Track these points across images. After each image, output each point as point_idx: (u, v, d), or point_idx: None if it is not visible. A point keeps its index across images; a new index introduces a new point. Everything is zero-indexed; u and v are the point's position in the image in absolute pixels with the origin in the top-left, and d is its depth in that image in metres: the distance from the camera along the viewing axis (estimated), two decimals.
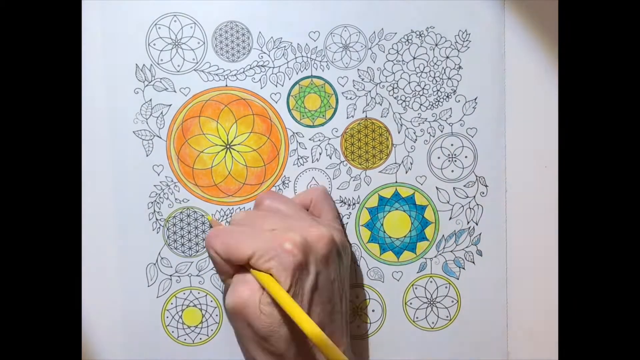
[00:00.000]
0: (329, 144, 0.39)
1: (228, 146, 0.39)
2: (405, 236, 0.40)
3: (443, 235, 0.40)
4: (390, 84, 0.39)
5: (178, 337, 0.40)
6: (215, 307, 0.40)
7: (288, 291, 0.31)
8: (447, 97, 0.40)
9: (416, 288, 0.41)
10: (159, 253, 0.39)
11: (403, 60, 0.39)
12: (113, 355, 0.39)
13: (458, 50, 0.39)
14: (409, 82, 0.39)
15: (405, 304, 0.41)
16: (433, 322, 0.41)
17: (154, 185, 0.39)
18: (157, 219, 0.39)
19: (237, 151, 0.39)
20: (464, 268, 0.41)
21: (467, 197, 0.40)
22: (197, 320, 0.40)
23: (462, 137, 0.40)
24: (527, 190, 0.40)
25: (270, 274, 0.32)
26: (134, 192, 0.39)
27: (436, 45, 0.39)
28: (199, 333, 0.40)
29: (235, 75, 0.39)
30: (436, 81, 0.40)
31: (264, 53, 0.39)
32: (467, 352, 0.40)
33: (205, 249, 0.39)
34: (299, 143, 0.39)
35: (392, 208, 0.40)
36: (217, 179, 0.39)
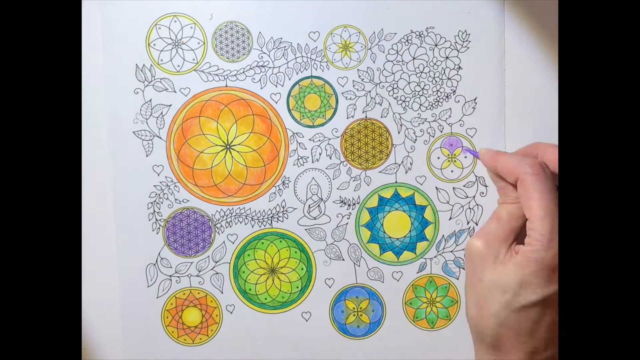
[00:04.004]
0: (329, 144, 0.39)
1: (228, 146, 0.39)
2: (405, 236, 0.40)
3: (443, 236, 0.40)
4: (390, 84, 0.39)
5: (178, 337, 0.40)
6: (215, 307, 0.40)
7: None
8: (447, 97, 0.40)
9: (416, 288, 0.41)
10: (159, 253, 0.39)
11: (403, 61, 0.39)
12: (113, 355, 0.39)
13: (458, 51, 0.39)
14: (409, 83, 0.39)
15: (405, 304, 0.41)
16: (433, 322, 0.41)
17: (154, 186, 0.39)
18: (157, 219, 0.39)
19: (237, 151, 0.39)
20: (463, 268, 0.41)
21: (467, 197, 0.40)
22: (197, 320, 0.40)
23: (462, 137, 0.40)
24: None
25: None
26: (134, 192, 0.39)
27: (436, 45, 0.39)
28: (199, 333, 0.40)
29: (235, 75, 0.39)
30: (436, 81, 0.40)
31: (264, 53, 0.39)
32: (467, 352, 0.40)
33: (204, 250, 0.39)
34: (299, 143, 0.39)
35: (392, 208, 0.40)
36: (217, 179, 0.39)
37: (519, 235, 0.35)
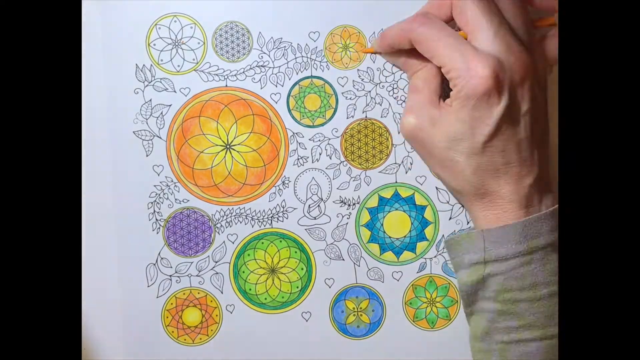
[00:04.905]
0: (329, 144, 0.39)
1: (228, 146, 0.39)
2: (405, 236, 0.40)
3: (443, 235, 0.40)
4: (390, 84, 0.39)
5: (178, 337, 0.40)
6: (215, 308, 0.40)
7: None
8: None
9: (416, 288, 0.41)
10: (159, 253, 0.39)
11: None
12: (113, 355, 0.39)
13: None
14: (409, 83, 0.39)
15: (405, 304, 0.41)
16: (433, 322, 0.41)
17: (154, 186, 0.39)
18: (157, 219, 0.39)
19: (237, 151, 0.39)
20: None
21: None
22: (197, 320, 0.40)
23: None
24: None
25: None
26: (134, 192, 0.39)
27: None
28: (199, 333, 0.40)
29: (235, 75, 0.39)
30: None
31: (264, 53, 0.39)
32: (467, 352, 0.40)
33: (204, 250, 0.39)
34: (299, 143, 0.39)
35: (392, 208, 0.40)
36: (217, 179, 0.39)
37: (445, 92, 0.35)
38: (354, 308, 0.40)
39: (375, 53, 0.38)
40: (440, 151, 0.34)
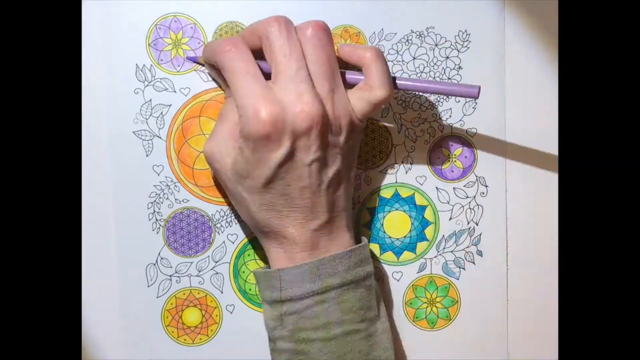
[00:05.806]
0: None
1: None
2: (405, 236, 0.40)
3: (443, 236, 0.40)
4: None
5: (178, 337, 0.40)
6: (215, 308, 0.40)
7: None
8: (447, 97, 0.40)
9: (416, 288, 0.41)
10: (159, 253, 0.39)
11: (403, 61, 0.39)
12: (113, 355, 0.39)
13: (458, 51, 0.39)
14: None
15: (405, 304, 0.41)
16: (433, 322, 0.41)
17: (154, 186, 0.39)
18: (157, 219, 0.39)
19: None
20: (464, 268, 0.41)
21: (467, 197, 0.40)
22: (197, 320, 0.40)
23: (462, 137, 0.40)
24: (527, 190, 0.40)
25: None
26: (134, 192, 0.39)
27: (436, 45, 0.39)
28: (199, 333, 0.40)
29: None
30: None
31: None
32: (467, 352, 0.40)
33: (204, 250, 0.39)
34: None
35: (392, 208, 0.40)
36: None
37: None
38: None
39: (200, 64, 0.38)
40: (231, 184, 0.34)
